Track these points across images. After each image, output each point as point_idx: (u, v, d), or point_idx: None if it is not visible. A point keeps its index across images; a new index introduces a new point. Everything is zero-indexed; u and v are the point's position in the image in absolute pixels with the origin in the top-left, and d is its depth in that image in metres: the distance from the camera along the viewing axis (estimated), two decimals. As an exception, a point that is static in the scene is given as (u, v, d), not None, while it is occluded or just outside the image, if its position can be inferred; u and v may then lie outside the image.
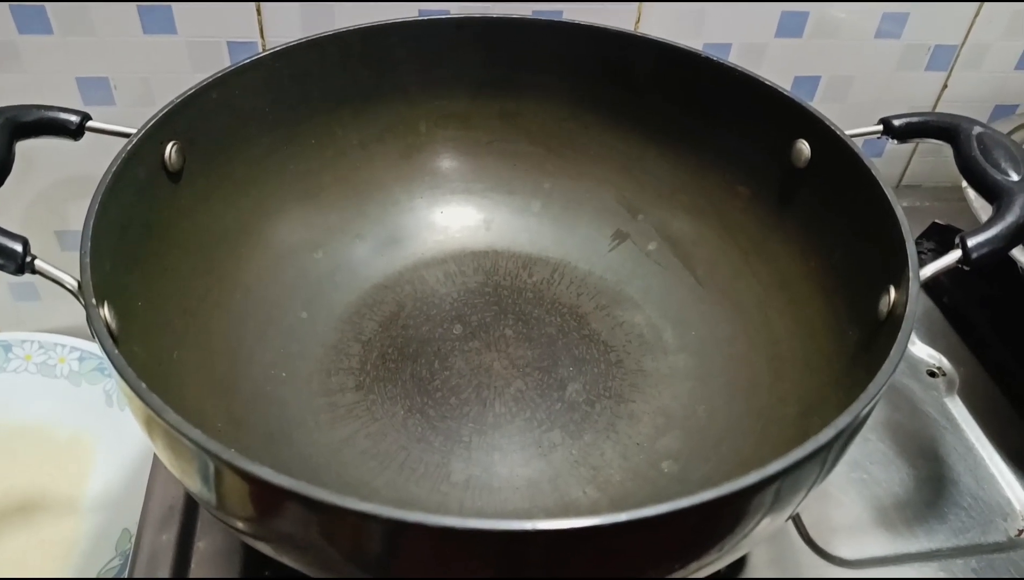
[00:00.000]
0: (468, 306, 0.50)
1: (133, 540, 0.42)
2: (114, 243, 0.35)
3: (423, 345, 0.47)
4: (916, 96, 0.62)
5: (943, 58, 0.61)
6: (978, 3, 0.58)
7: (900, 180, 0.68)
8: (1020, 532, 0.44)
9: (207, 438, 0.25)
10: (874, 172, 0.38)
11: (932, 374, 0.52)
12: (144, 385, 0.27)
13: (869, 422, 0.48)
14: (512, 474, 0.41)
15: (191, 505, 0.43)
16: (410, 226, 0.52)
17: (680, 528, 0.26)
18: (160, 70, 0.53)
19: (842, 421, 0.27)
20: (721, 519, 0.27)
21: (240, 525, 0.29)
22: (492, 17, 0.49)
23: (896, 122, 0.41)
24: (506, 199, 0.54)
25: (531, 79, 0.51)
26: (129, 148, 0.37)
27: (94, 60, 0.52)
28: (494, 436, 0.43)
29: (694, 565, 0.29)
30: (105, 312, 0.31)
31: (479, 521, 0.24)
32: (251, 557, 0.40)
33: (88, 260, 0.31)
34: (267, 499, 0.26)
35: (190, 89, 0.41)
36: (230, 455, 0.25)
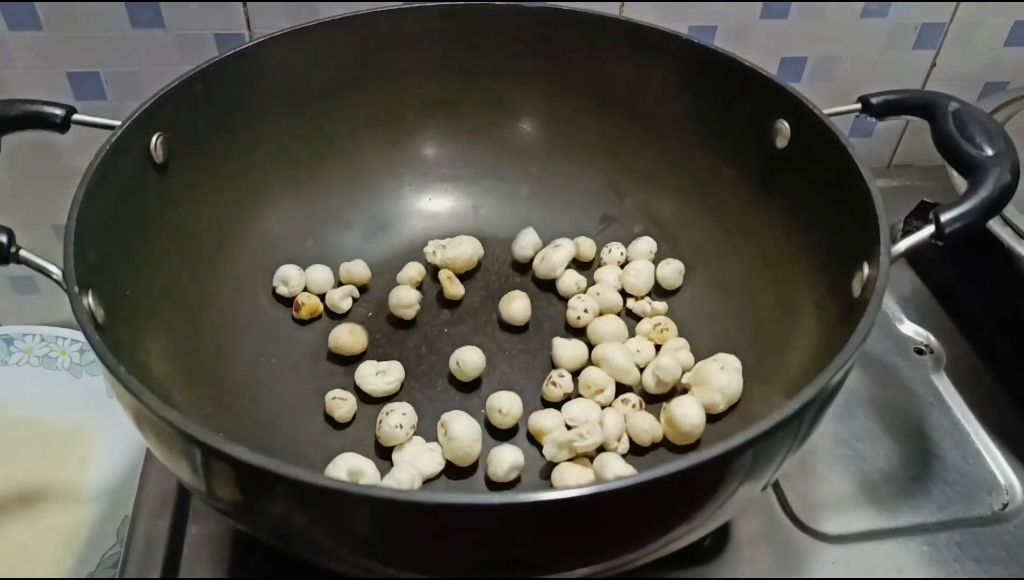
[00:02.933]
0: (456, 291, 0.50)
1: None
2: (100, 233, 0.36)
3: (411, 330, 0.48)
4: (905, 75, 0.62)
5: (931, 36, 0.61)
6: (965, -20, 0.58)
7: (891, 160, 0.68)
8: (1004, 506, 0.44)
9: (183, 418, 0.26)
10: (850, 149, 0.38)
11: (919, 352, 0.52)
12: (123, 368, 0.28)
13: (855, 399, 0.49)
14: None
15: (184, 492, 0.44)
16: (399, 213, 0.53)
17: (655, 498, 0.27)
18: (149, 64, 0.54)
19: (808, 393, 0.28)
20: (694, 488, 0.28)
21: (221, 505, 0.30)
22: (477, 4, 0.50)
23: (874, 100, 0.42)
24: (494, 185, 0.54)
25: (518, 65, 0.51)
26: (114, 140, 0.37)
27: (84, 55, 0.53)
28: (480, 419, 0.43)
29: (672, 535, 0.30)
30: (89, 300, 0.32)
31: (454, 496, 0.25)
32: (241, 541, 0.41)
33: (72, 249, 0.32)
34: (236, 477, 0.27)
35: (174, 81, 0.41)
36: (205, 435, 0.26)
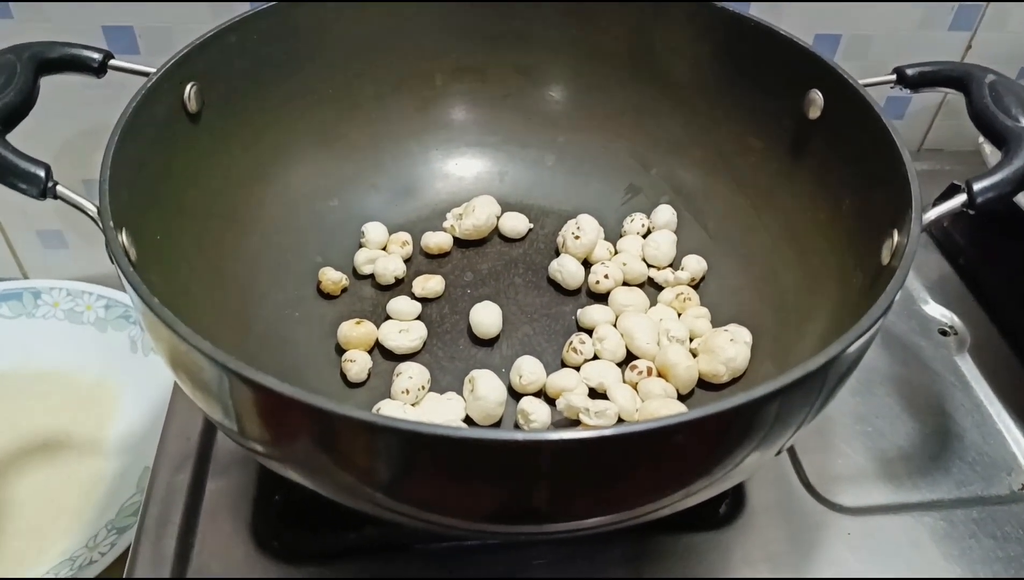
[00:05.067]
0: (479, 255, 0.50)
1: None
2: (133, 177, 0.36)
3: (434, 290, 0.48)
4: (939, 56, 0.60)
5: (967, 17, 0.60)
6: (1004, -39, 0.57)
7: (921, 144, 0.68)
8: (1024, 486, 0.44)
9: (215, 348, 0.26)
10: (884, 117, 0.38)
11: (944, 333, 0.52)
12: (157, 300, 0.28)
13: (877, 377, 0.49)
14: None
15: (205, 446, 0.44)
16: (424, 177, 0.53)
17: (676, 444, 0.27)
18: (183, 19, 0.54)
19: (835, 348, 0.28)
20: (716, 437, 0.28)
21: (254, 440, 0.30)
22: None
23: (909, 71, 0.41)
24: (520, 152, 0.54)
25: (546, 33, 0.51)
26: (149, 85, 0.38)
27: (119, 9, 0.53)
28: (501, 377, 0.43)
29: (688, 488, 0.30)
30: (123, 237, 0.32)
31: (473, 431, 0.25)
32: (263, 491, 0.42)
33: (107, 187, 0.33)
34: (268, 408, 0.27)
35: (209, 31, 0.42)
36: (236, 364, 0.26)
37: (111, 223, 0.31)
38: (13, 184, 0.33)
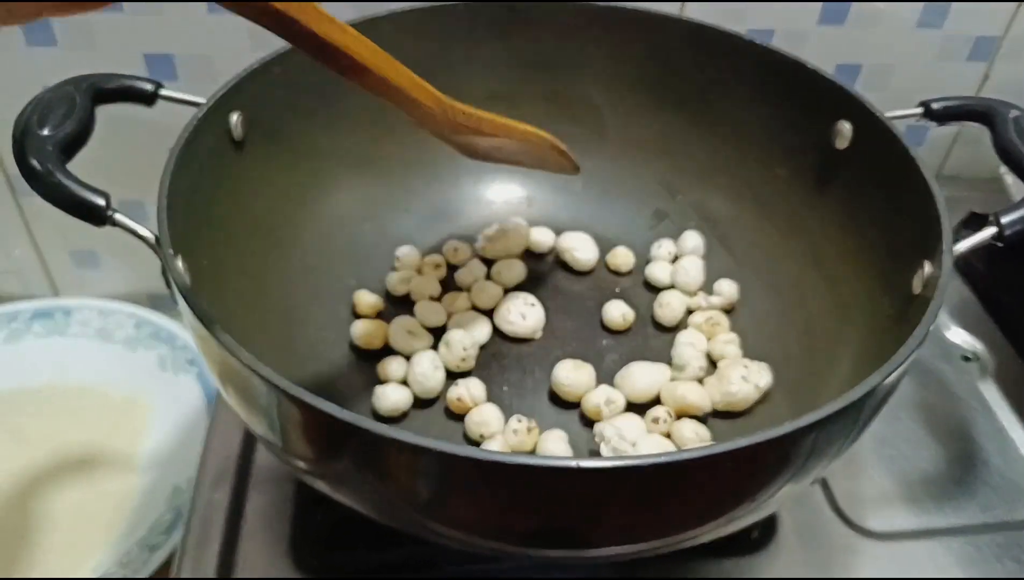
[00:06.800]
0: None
1: (189, 498, 0.44)
2: (183, 204, 0.37)
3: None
4: (957, 86, 0.63)
5: (985, 49, 0.61)
6: (1022, -5, 0.58)
7: (940, 170, 0.69)
8: (1049, 512, 0.44)
9: (275, 373, 0.27)
10: (912, 152, 0.39)
11: (966, 359, 0.53)
12: (218, 326, 0.29)
13: (901, 402, 0.49)
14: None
15: (244, 465, 0.45)
16: (455, 201, 0.54)
17: (713, 474, 0.28)
18: (222, 48, 0.55)
19: (874, 379, 0.29)
20: (751, 469, 0.29)
21: (299, 457, 0.31)
22: (541, 1, 0.51)
23: (935, 105, 0.42)
24: (548, 177, 0.55)
25: (576, 61, 0.53)
26: (200, 115, 0.39)
27: (160, 38, 0.55)
28: (532, 400, 0.44)
29: (726, 516, 0.31)
30: (180, 264, 0.33)
31: (518, 457, 0.26)
32: (301, 509, 0.43)
33: (164, 215, 0.34)
34: (323, 432, 0.28)
35: (255, 64, 0.43)
36: (297, 390, 0.27)
37: (171, 251, 0.32)
38: (75, 213, 0.34)
